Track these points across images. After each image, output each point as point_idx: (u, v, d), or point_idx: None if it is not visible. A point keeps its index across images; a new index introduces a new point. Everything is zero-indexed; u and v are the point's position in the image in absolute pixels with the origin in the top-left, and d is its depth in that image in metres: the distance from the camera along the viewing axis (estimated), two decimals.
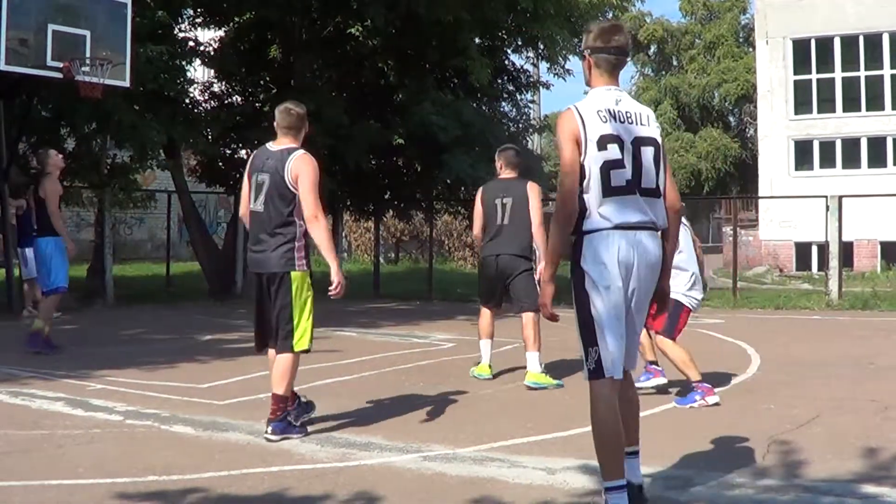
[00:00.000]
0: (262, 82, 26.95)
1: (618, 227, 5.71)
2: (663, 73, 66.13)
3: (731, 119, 65.09)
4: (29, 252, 18.38)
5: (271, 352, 8.44)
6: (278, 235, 8.16)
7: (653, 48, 65.71)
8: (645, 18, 63.77)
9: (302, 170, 8.13)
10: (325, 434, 8.31)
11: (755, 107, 45.22)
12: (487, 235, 11.72)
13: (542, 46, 26.38)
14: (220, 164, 25.80)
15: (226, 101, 26.44)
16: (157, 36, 19.47)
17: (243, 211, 8.50)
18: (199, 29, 25.35)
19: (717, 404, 9.66)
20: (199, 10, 24.38)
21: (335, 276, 8.11)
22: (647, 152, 5.87)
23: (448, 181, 24.01)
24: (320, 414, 9.06)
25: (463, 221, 29.47)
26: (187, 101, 24.04)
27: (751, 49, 54.19)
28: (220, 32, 26.28)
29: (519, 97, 28.41)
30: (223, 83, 26.70)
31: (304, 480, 6.84)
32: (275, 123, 8.39)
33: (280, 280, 8.19)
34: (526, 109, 29.23)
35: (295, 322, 8.26)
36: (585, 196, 5.75)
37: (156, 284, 25.36)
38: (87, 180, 21.97)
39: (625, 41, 6.14)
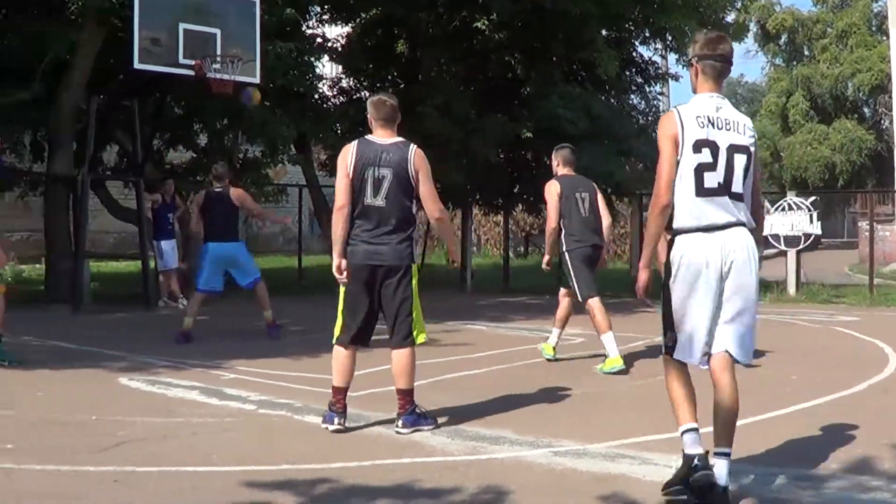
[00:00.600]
0: (389, 77, 27.10)
1: (707, 228, 6.16)
2: (794, 63, 64.98)
3: (866, 110, 63.66)
4: (164, 245, 18.78)
5: (346, 351, 8.48)
6: (401, 229, 8.18)
7: (783, 38, 64.61)
8: (774, 7, 62.73)
9: (422, 165, 8.22)
10: (456, 427, 8.33)
11: (890, 97, 44.25)
12: (571, 228, 12.03)
13: (670, 38, 26.13)
14: None
15: (354, 97, 26.63)
16: (285, 33, 19.69)
17: (343, 203, 8.18)
18: (326, 25, 25.58)
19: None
20: (326, 6, 24.62)
21: (458, 258, 8.55)
22: (740, 159, 6.22)
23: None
24: (452, 406, 9.12)
25: None
26: (316, 96, 24.31)
27: (884, 37, 52.98)
28: (348, 28, 26.48)
29: (647, 89, 28.18)
30: (351, 78, 26.92)
31: (434, 473, 6.87)
32: (370, 117, 8.34)
33: (402, 273, 8.21)
34: (655, 102, 28.97)
35: (414, 315, 8.31)
36: (678, 195, 6.19)
37: (288, 277, 25.57)
38: None
39: (729, 50, 6.51)
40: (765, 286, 21.18)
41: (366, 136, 8.34)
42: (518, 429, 8.24)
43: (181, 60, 17.10)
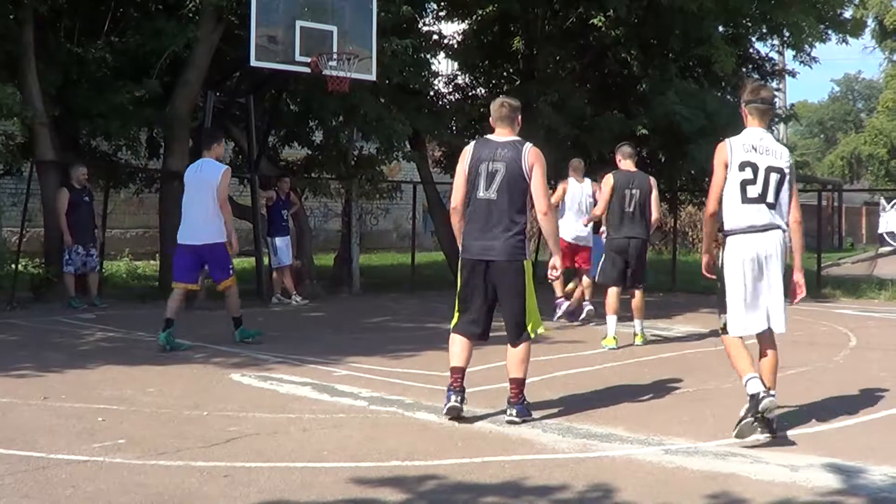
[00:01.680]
0: (505, 74, 27.07)
1: (748, 229, 7.98)
2: None
3: None
4: (278, 241, 18.89)
5: (464, 339, 8.72)
6: (513, 224, 8.34)
7: None
8: (892, 3, 61.75)
9: (537, 161, 8.47)
10: (567, 424, 8.29)
11: None
12: (614, 220, 13.68)
13: (787, 34, 25.77)
14: None
15: (469, 93, 26.65)
16: (401, 30, 19.71)
17: (458, 202, 8.61)
18: (442, 22, 25.60)
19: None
20: (442, 3, 24.64)
21: (559, 263, 8.78)
22: (774, 177, 7.99)
23: (692, 172, 23.70)
24: (562, 404, 9.08)
25: None
26: (432, 93, 24.33)
27: None
28: (464, 25, 26.47)
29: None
30: (467, 75, 26.92)
31: (544, 470, 6.83)
32: (491, 119, 8.82)
33: (515, 268, 8.37)
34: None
35: (528, 309, 8.44)
36: (727, 203, 8.06)
37: (401, 273, 25.65)
38: (335, 172, 22.41)
39: (769, 95, 8.34)
40: (880, 284, 20.83)
41: (486, 136, 8.80)
42: (629, 426, 8.20)
43: (297, 58, 17.20)
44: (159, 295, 18.79)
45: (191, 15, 17.84)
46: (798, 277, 8.36)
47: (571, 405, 9.13)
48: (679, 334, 14.70)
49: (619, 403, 9.31)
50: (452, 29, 26.50)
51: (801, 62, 26.59)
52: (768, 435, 7.64)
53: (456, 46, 25.62)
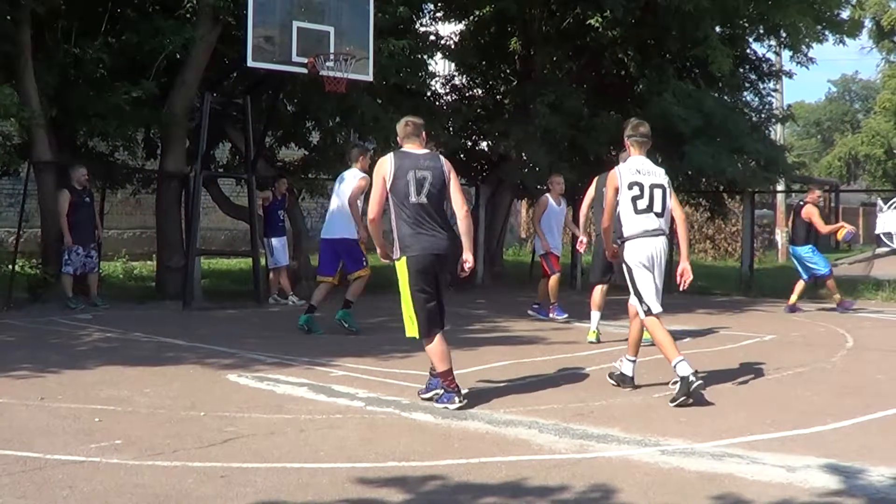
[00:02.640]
0: (502, 75, 27.10)
1: (643, 234, 9.91)
2: None
3: None
4: (275, 242, 18.94)
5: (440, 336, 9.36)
6: (446, 223, 9.29)
7: None
8: (889, 3, 61.82)
9: (452, 169, 9.48)
10: (563, 425, 8.28)
11: None
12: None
13: (784, 34, 25.82)
14: (462, 155, 25.99)
15: (467, 94, 26.67)
16: (398, 30, 19.71)
17: (376, 213, 9.31)
18: (439, 23, 25.58)
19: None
20: (439, 4, 24.65)
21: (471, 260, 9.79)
22: (658, 192, 9.98)
23: (689, 172, 23.71)
24: (559, 404, 9.08)
25: (704, 213, 29.04)
26: (429, 93, 24.34)
27: None
28: (461, 26, 26.47)
29: (761, 86, 27.85)
30: (464, 76, 26.93)
31: (541, 471, 6.83)
32: (399, 137, 9.58)
33: (448, 261, 9.41)
34: (768, 98, 28.63)
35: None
36: (624, 216, 9.98)
37: (394, 273, 25.68)
38: (332, 172, 22.39)
39: (646, 130, 10.31)
40: (876, 285, 20.86)
41: (402, 149, 9.49)
42: (625, 427, 8.21)
43: (294, 58, 17.19)
44: (156, 295, 18.84)
45: (188, 16, 17.86)
46: (685, 265, 10.17)
47: (568, 405, 9.13)
48: (675, 335, 14.67)
49: (615, 404, 9.33)
50: (449, 29, 26.49)
51: (798, 63, 26.59)
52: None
53: (453, 47, 25.61)
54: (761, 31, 26.36)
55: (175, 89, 18.82)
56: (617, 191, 9.96)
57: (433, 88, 25.10)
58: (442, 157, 9.49)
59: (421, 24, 23.99)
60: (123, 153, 20.17)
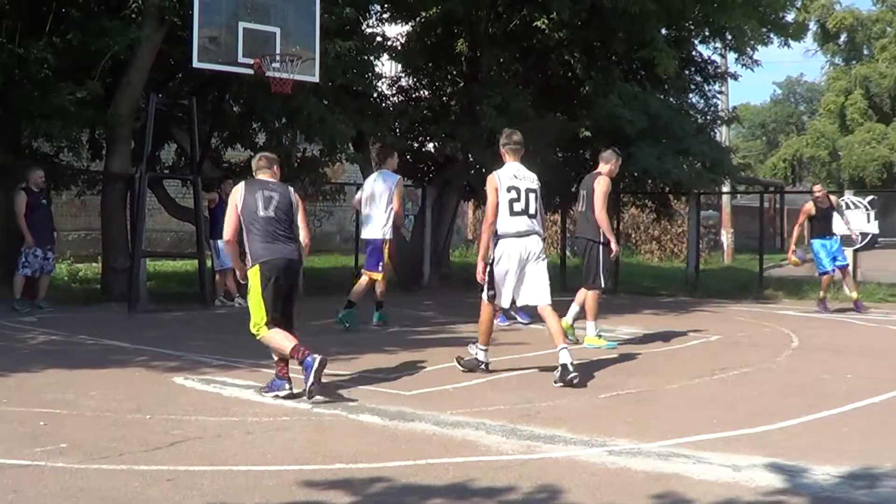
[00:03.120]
0: (448, 76, 27.11)
1: (516, 234, 10.86)
2: (853, 62, 64.72)
3: None
4: (221, 243, 18.81)
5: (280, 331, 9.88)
6: (293, 234, 10.09)
7: (843, 37, 64.32)
8: (834, 6, 62.43)
9: (300, 200, 10.49)
10: (510, 426, 8.28)
11: None
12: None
13: (729, 37, 25.97)
14: (408, 157, 25.99)
15: (413, 95, 26.66)
16: (344, 31, 19.68)
17: (234, 232, 10.17)
18: (386, 24, 25.57)
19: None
20: (386, 5, 24.62)
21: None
22: (532, 195, 11.01)
23: (635, 174, 23.81)
24: (506, 405, 9.10)
25: (650, 214, 29.17)
26: (375, 95, 24.33)
27: None
28: (407, 27, 26.47)
29: (706, 88, 27.99)
30: (410, 77, 26.93)
31: (488, 472, 6.84)
32: (254, 170, 10.50)
33: (299, 268, 10.19)
34: (714, 100, 28.80)
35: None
36: (500, 216, 10.87)
37: (344, 276, 25.63)
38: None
39: (519, 138, 11.40)
40: (819, 285, 21.04)
41: (258, 177, 10.44)
42: (572, 427, 8.22)
43: (240, 59, 17.15)
44: (101, 298, 18.71)
45: (133, 16, 17.74)
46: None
47: (515, 407, 9.14)
48: (623, 336, 14.74)
49: (563, 405, 9.35)
50: (396, 31, 26.49)
51: (744, 65, 26.76)
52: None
53: (399, 48, 25.60)
54: (707, 34, 26.51)
55: (120, 90, 18.71)
56: (497, 192, 10.91)
57: (380, 90, 25.08)
58: (291, 189, 10.37)
59: (367, 26, 23.97)
60: (68, 154, 19.99)
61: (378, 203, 15.56)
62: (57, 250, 19.06)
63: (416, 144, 26.16)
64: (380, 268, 15.51)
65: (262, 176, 10.30)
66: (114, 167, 19.42)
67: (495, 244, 10.91)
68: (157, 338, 13.87)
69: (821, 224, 19.02)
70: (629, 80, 24.74)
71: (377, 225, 15.58)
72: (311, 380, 9.23)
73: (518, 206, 10.86)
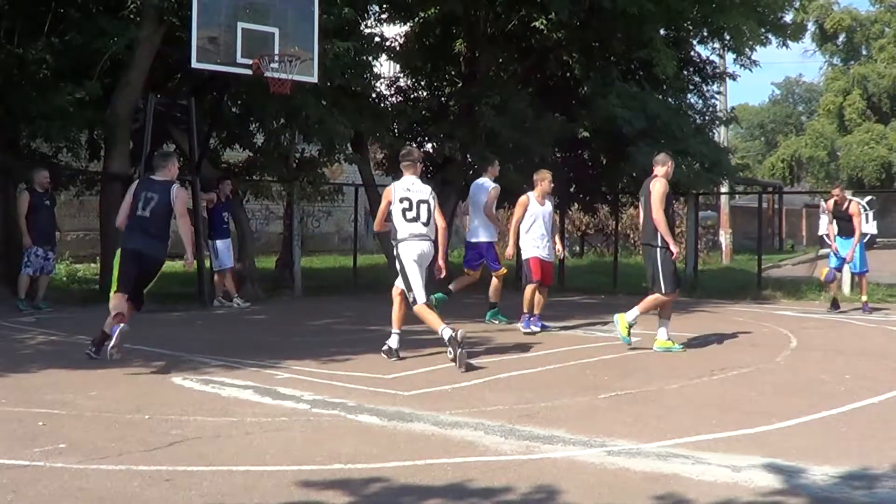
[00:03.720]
0: (447, 77, 27.12)
1: (411, 237, 12.13)
2: (852, 62, 64.73)
3: None
4: (219, 244, 18.86)
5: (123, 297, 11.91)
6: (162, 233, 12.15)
7: (841, 37, 64.32)
8: (832, 7, 62.42)
9: (179, 196, 12.06)
10: (509, 426, 8.27)
11: None
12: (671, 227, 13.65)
13: (727, 37, 25.99)
14: None
15: (412, 96, 26.67)
16: (343, 32, 19.69)
17: (123, 221, 12.14)
18: (384, 25, 25.59)
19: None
20: (384, 5, 24.63)
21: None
22: (423, 206, 12.28)
23: (633, 174, 23.79)
24: (505, 406, 9.10)
25: None
26: (374, 95, 24.34)
27: None
28: (406, 28, 26.48)
29: (705, 88, 28.00)
30: (409, 78, 26.93)
31: (487, 472, 6.83)
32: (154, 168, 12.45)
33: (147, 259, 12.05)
34: (712, 101, 28.80)
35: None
36: (397, 222, 12.20)
37: (343, 276, 25.65)
38: (276, 174, 22.34)
39: (415, 156, 12.86)
40: (820, 285, 21.03)
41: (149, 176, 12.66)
42: (571, 428, 8.20)
43: (239, 60, 17.16)
44: (100, 298, 18.68)
45: (132, 16, 17.74)
46: (441, 262, 12.45)
47: (514, 407, 9.12)
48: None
49: (561, 405, 9.34)
50: (394, 31, 26.52)
51: (742, 65, 26.81)
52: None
53: (398, 49, 25.63)
54: (705, 34, 26.54)
55: (119, 90, 18.73)
56: (390, 202, 12.32)
57: (378, 90, 25.10)
58: (174, 187, 12.03)
59: (366, 26, 23.97)
60: (67, 154, 20.02)
61: (478, 209, 16.72)
62: (57, 251, 19.01)
63: (414, 145, 26.14)
64: (499, 264, 16.67)
65: (158, 175, 12.25)
66: (112, 167, 19.42)
67: (397, 248, 12.29)
68: (156, 338, 13.87)
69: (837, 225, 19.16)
70: (628, 80, 24.74)
71: (483, 229, 16.64)
72: (112, 342, 11.11)
73: (410, 215, 12.25)
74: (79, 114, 17.66)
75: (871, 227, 21.59)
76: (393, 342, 12.29)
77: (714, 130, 30.20)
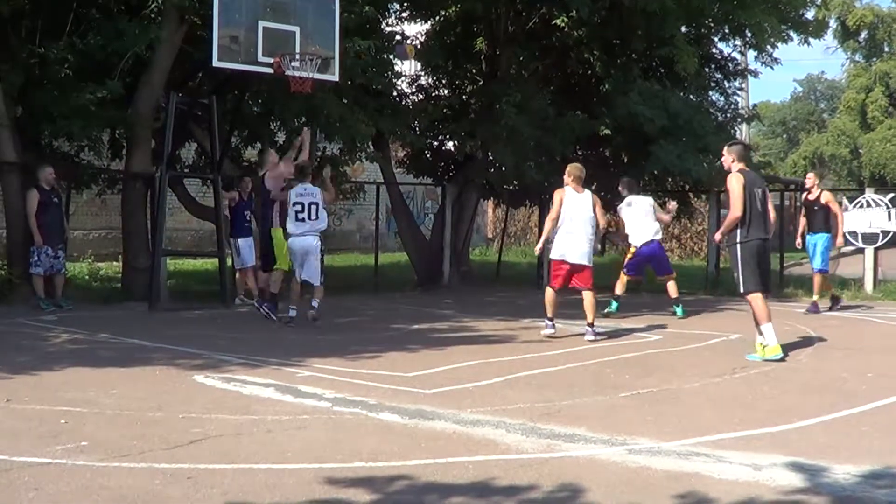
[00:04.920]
0: (468, 74, 27.09)
1: (299, 234, 15.25)
2: (874, 59, 64.40)
3: None
4: (241, 242, 18.87)
5: None
6: None
7: (863, 34, 63.98)
8: (854, 3, 62.10)
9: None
10: (531, 425, 8.28)
11: None
12: (752, 221, 12.34)
13: (749, 34, 25.87)
14: (428, 155, 26.04)
15: (433, 94, 26.63)
16: (364, 30, 19.67)
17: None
18: (405, 23, 25.57)
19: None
20: (405, 4, 24.61)
21: None
22: (313, 206, 15.34)
23: (655, 172, 23.76)
24: (526, 404, 9.10)
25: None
26: (395, 93, 24.31)
27: None
28: (427, 26, 26.46)
29: (726, 86, 27.92)
30: (430, 76, 26.90)
31: (508, 470, 6.83)
32: None
33: None
34: (734, 98, 28.72)
35: None
36: (290, 221, 15.38)
37: (364, 274, 25.66)
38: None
39: (305, 168, 16.11)
40: (842, 283, 20.94)
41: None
42: (593, 427, 8.19)
43: (260, 58, 17.14)
44: (122, 296, 18.76)
45: (153, 16, 17.77)
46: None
47: (535, 405, 9.13)
48: (643, 335, 14.71)
49: (583, 403, 9.34)
50: (415, 29, 26.48)
51: (764, 62, 26.69)
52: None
53: (419, 47, 25.61)
54: (726, 31, 26.43)
55: (140, 89, 18.75)
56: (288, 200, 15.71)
57: (399, 88, 25.08)
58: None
59: (387, 24, 23.96)
60: (89, 153, 20.08)
61: (648, 215, 18.07)
62: (66, 249, 19.02)
63: (435, 143, 26.18)
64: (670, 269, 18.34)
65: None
66: (134, 166, 19.46)
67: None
68: (178, 336, 13.90)
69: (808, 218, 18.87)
70: (649, 77, 24.70)
71: (657, 233, 18.11)
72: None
73: (301, 215, 15.50)
74: (100, 113, 17.69)
75: (893, 225, 21.41)
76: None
77: (736, 128, 30.12)
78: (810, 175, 19.26)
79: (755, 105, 38.90)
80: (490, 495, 6.26)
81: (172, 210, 23.49)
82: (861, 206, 21.53)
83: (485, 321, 16.14)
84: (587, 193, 14.61)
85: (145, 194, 19.79)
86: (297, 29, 17.51)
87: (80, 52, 17.40)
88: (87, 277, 23.31)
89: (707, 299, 20.98)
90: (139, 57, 17.86)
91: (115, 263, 24.93)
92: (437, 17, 25.84)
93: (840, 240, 18.58)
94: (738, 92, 30.52)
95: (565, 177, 14.53)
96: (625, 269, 18.05)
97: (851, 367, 11.57)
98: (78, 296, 18.70)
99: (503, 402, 9.26)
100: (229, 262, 19.44)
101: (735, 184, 12.38)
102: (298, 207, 15.47)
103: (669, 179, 24.72)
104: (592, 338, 14.01)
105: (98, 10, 18.33)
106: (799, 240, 19.11)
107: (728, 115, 27.40)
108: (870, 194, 21.93)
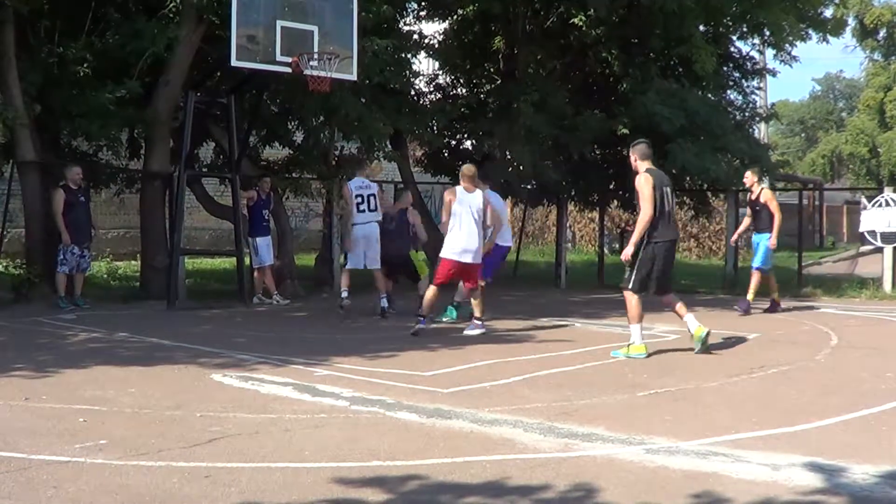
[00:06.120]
0: (486, 74, 27.08)
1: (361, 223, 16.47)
2: (893, 58, 64.19)
3: None
4: (259, 241, 18.90)
5: None
6: None
7: (882, 33, 63.76)
8: (873, 2, 61.89)
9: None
10: (548, 424, 8.26)
11: None
12: (660, 220, 12.44)
13: (767, 33, 25.79)
14: (446, 154, 26.02)
15: (451, 93, 26.63)
16: (382, 30, 19.69)
17: None
18: (423, 22, 25.60)
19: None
20: (422, 3, 24.64)
21: None
22: (373, 198, 16.56)
23: (673, 171, 23.70)
24: (544, 403, 9.09)
25: (688, 212, 28.92)
26: (412, 92, 24.31)
27: None
28: (444, 25, 26.46)
29: (744, 84, 27.83)
30: (448, 75, 26.91)
31: (525, 470, 6.82)
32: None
33: None
34: (752, 97, 28.64)
35: None
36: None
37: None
38: (316, 172, 22.36)
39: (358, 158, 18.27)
40: (861, 283, 20.87)
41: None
42: (610, 426, 8.18)
43: (278, 58, 17.17)
44: (140, 295, 18.81)
45: (171, 15, 17.81)
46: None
47: (552, 404, 9.12)
48: (660, 334, 14.68)
49: (601, 403, 9.33)
50: (433, 28, 26.48)
51: (782, 61, 26.62)
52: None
53: (437, 46, 25.61)
54: (745, 30, 26.36)
55: (159, 89, 18.81)
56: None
57: (417, 87, 25.09)
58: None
59: (405, 24, 24.00)
60: (107, 153, 20.15)
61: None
62: (92, 248, 19.09)
63: (453, 142, 26.17)
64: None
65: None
66: (153, 165, 19.52)
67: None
68: (196, 335, 13.94)
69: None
70: (667, 76, 24.64)
71: None
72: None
73: (363, 206, 16.38)
74: (119, 112, 17.75)
75: None
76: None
77: (754, 127, 30.01)
78: (748, 174, 18.85)
79: (773, 104, 38.61)
80: (506, 494, 6.26)
81: (190, 209, 23.54)
82: (880, 205, 21.46)
83: (502, 320, 16.13)
84: (478, 192, 14.85)
85: (163, 193, 19.85)
86: (315, 28, 17.54)
87: (99, 52, 17.48)
88: (105, 276, 23.37)
89: (725, 298, 20.92)
90: (157, 56, 17.89)
91: (133, 262, 25.00)
92: (455, 17, 25.86)
93: (773, 241, 18.06)
94: (757, 91, 30.37)
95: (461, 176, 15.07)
96: None
97: (870, 367, 11.53)
98: (96, 295, 18.78)
99: (521, 401, 9.26)
100: (247, 261, 19.48)
101: (644, 184, 12.45)
102: (359, 199, 16.48)
103: (688, 178, 24.65)
104: (472, 332, 14.41)
105: (117, 9, 18.37)
106: (734, 237, 19.03)
107: (746, 114, 27.32)
108: (889, 193, 21.85)
